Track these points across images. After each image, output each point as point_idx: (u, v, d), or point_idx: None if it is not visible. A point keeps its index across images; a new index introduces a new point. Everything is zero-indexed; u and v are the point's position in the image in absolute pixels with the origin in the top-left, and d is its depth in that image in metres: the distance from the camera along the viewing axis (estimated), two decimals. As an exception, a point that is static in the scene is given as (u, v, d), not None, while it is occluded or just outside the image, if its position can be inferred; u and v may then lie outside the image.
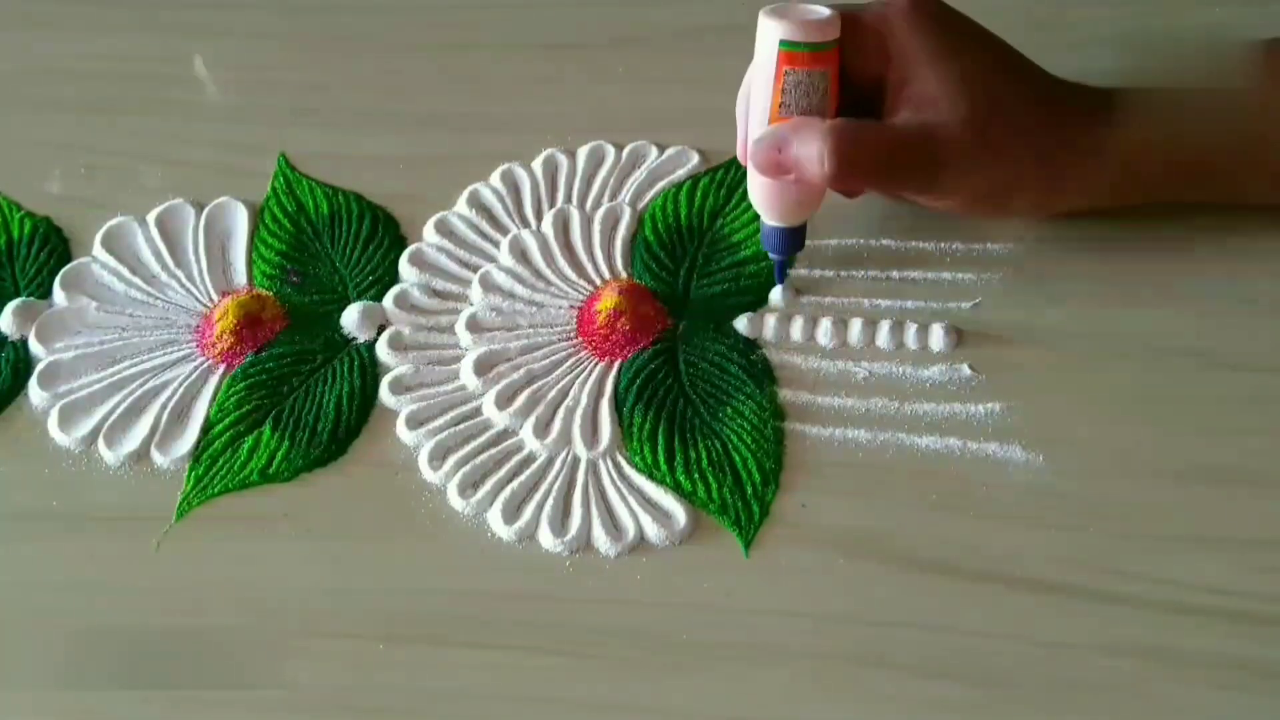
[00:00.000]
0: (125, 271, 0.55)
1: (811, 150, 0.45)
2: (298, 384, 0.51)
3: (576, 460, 0.48)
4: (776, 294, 0.52)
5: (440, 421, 0.49)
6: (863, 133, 0.46)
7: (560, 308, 0.52)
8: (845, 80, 0.47)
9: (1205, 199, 0.50)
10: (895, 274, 0.52)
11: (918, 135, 0.46)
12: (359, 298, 0.53)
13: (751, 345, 0.51)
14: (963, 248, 0.53)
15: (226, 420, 0.50)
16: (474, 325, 0.52)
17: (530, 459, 0.48)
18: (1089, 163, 0.47)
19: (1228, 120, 0.47)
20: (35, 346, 0.52)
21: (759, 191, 0.49)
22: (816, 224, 0.53)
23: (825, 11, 0.46)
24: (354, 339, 0.52)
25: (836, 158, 0.45)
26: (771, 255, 0.51)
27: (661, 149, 0.57)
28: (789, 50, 0.45)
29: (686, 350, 0.51)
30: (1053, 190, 0.49)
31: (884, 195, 0.52)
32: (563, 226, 0.55)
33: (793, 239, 0.50)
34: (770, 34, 0.45)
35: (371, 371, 0.51)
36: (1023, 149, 0.47)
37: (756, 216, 0.54)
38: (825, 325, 0.50)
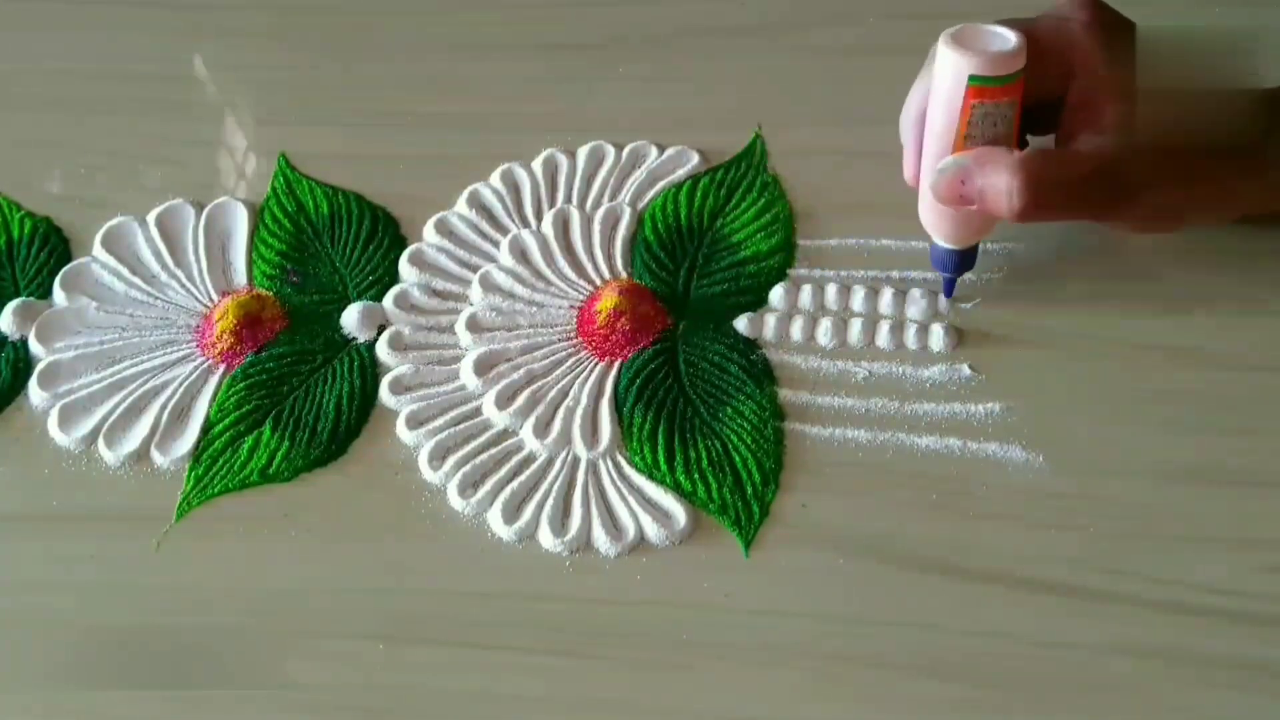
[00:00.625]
0: (125, 271, 0.55)
1: (999, 184, 0.44)
2: (298, 384, 0.51)
3: (576, 460, 0.48)
4: (943, 304, 0.51)
5: (440, 421, 0.49)
6: (1052, 167, 0.45)
7: (560, 308, 0.52)
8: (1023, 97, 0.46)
9: None
10: (895, 274, 0.52)
11: (1106, 164, 0.44)
12: (359, 298, 0.53)
13: (751, 345, 0.51)
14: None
15: (226, 420, 0.50)
16: (474, 325, 0.52)
17: (530, 459, 0.48)
18: (1263, 174, 0.47)
19: None
20: (35, 346, 0.52)
21: (932, 215, 0.48)
22: (817, 224, 0.54)
23: (1013, 40, 0.44)
24: (354, 339, 0.52)
25: (1028, 195, 0.44)
26: (941, 274, 0.50)
27: (661, 149, 0.57)
28: (979, 85, 0.43)
29: (686, 350, 0.51)
30: (1225, 204, 0.48)
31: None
32: (563, 226, 0.55)
33: (964, 260, 0.49)
34: (957, 67, 0.43)
35: (371, 371, 0.51)
36: (1201, 169, 0.46)
37: (756, 216, 0.54)
38: (825, 325, 0.50)
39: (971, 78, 0.43)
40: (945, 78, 0.44)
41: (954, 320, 0.50)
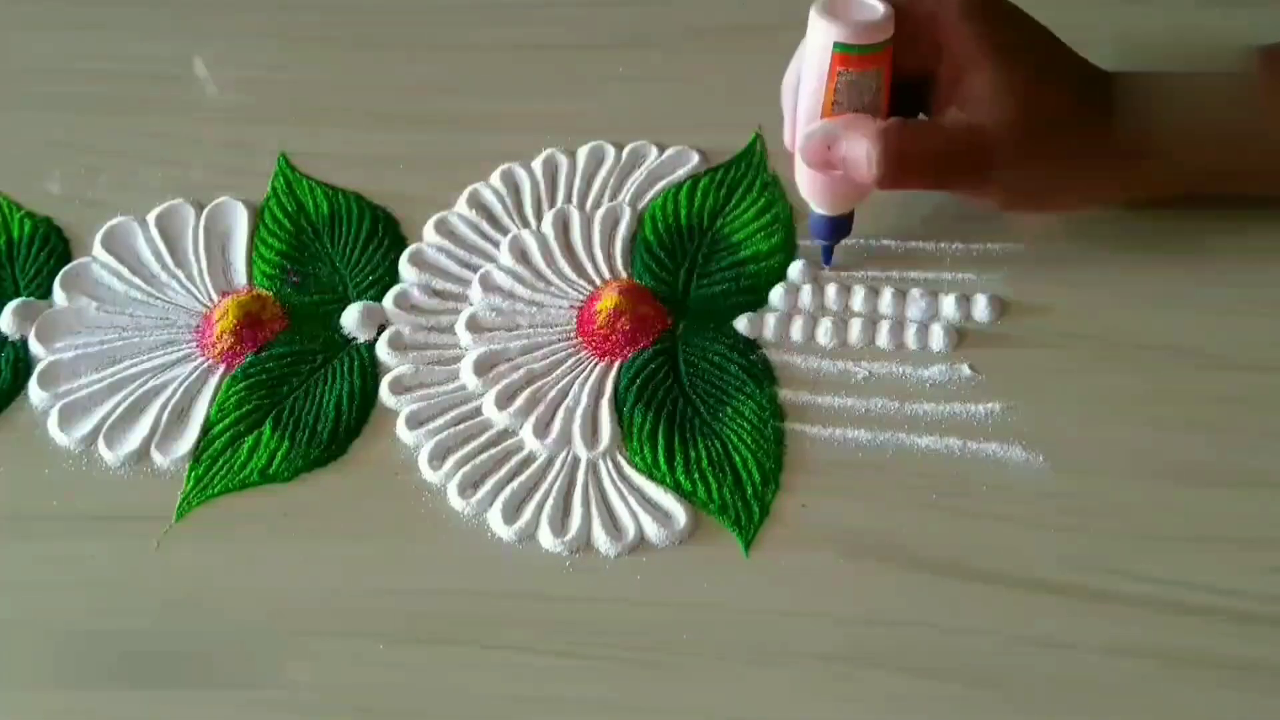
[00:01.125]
0: (125, 271, 0.55)
1: (860, 151, 0.46)
2: (298, 384, 0.51)
3: (576, 460, 0.48)
4: (826, 273, 0.52)
5: (440, 421, 0.49)
6: (912, 136, 0.46)
7: (560, 308, 0.52)
8: (894, 71, 0.47)
9: (1228, 191, 0.50)
10: (895, 274, 0.52)
11: (966, 137, 0.46)
12: (359, 298, 0.53)
13: (751, 345, 0.51)
14: (962, 248, 0.53)
15: (226, 420, 0.50)
16: (474, 325, 0.52)
17: (530, 459, 0.48)
18: (1129, 160, 0.48)
19: (1247, 109, 0.48)
20: (35, 346, 0.52)
21: (806, 181, 0.49)
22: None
23: (880, 10, 0.45)
24: (354, 339, 0.52)
25: (886, 161, 0.45)
26: (817, 241, 0.51)
27: (661, 149, 0.57)
28: (843, 52, 0.45)
29: (686, 350, 0.51)
30: (1094, 188, 0.49)
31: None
32: (563, 226, 0.55)
33: (838, 226, 0.50)
34: (823, 34, 0.45)
35: (371, 371, 0.51)
36: (1067, 150, 0.47)
37: (756, 216, 0.55)
38: (825, 325, 0.50)
39: (837, 44, 0.45)
40: (815, 46, 0.46)
41: (951, 323, 0.50)
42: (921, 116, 0.49)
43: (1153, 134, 0.48)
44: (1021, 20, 0.48)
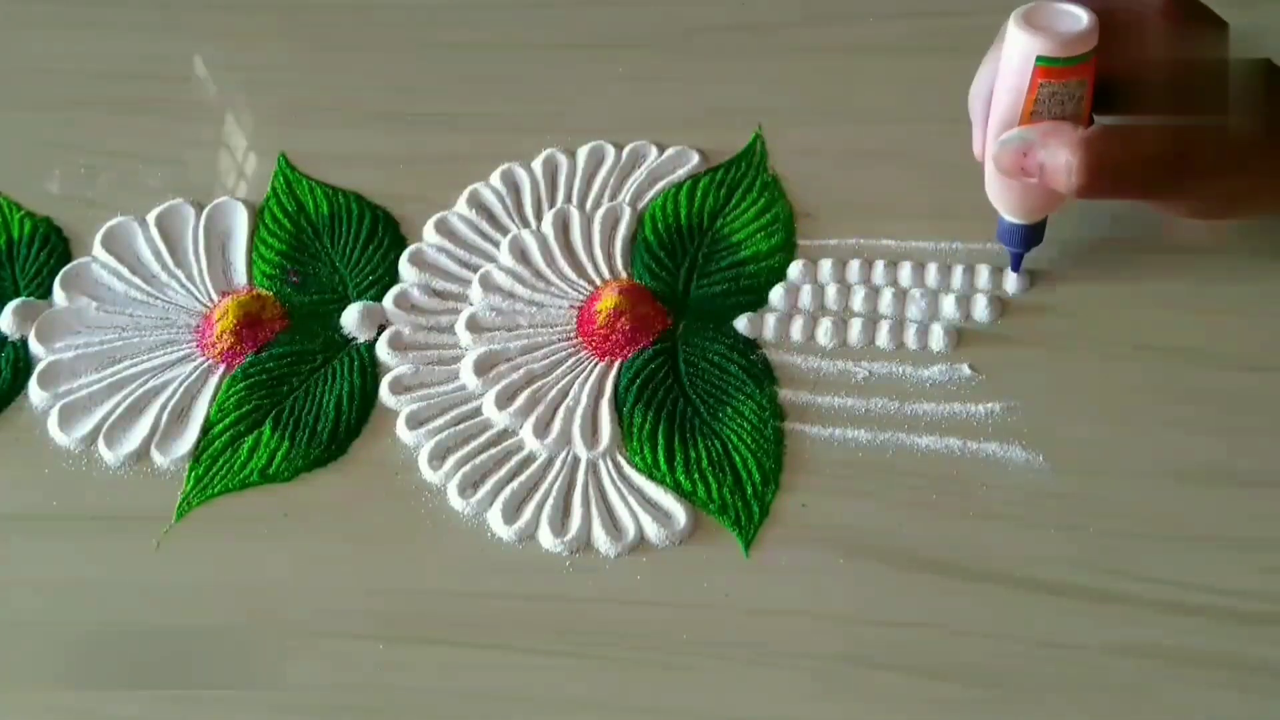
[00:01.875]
0: (125, 271, 0.55)
1: (1059, 160, 0.44)
2: (298, 384, 0.51)
3: (576, 460, 0.48)
4: (1012, 282, 0.51)
5: (440, 421, 0.49)
6: (1115, 146, 0.44)
7: (560, 308, 0.52)
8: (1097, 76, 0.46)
9: None
10: (895, 274, 0.52)
11: (1172, 145, 0.44)
12: (359, 298, 0.53)
13: (751, 345, 0.51)
14: (963, 248, 0.53)
15: (226, 420, 0.50)
16: (474, 325, 0.52)
17: (530, 459, 0.48)
18: None
19: None
20: (35, 346, 0.52)
21: (998, 189, 0.48)
22: (817, 224, 0.53)
23: (1084, 20, 0.44)
24: (354, 339, 0.52)
25: (1087, 171, 0.44)
26: (1007, 249, 0.50)
27: (661, 149, 0.57)
28: (1046, 65, 0.43)
29: (686, 350, 0.51)
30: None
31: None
32: (563, 226, 0.55)
33: (1030, 234, 0.49)
34: (1025, 47, 0.43)
35: (371, 371, 0.51)
36: (1271, 156, 0.45)
37: (756, 216, 0.55)
38: (825, 325, 0.50)
39: (1040, 58, 0.43)
40: (1013, 58, 0.44)
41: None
42: (1119, 120, 0.47)
43: None
44: (1218, 22, 0.46)
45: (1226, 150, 0.45)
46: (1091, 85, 0.45)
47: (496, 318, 0.52)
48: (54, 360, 0.52)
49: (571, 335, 0.51)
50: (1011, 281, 0.51)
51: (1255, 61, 0.46)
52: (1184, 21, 0.45)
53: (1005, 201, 0.48)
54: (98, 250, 0.56)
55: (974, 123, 0.48)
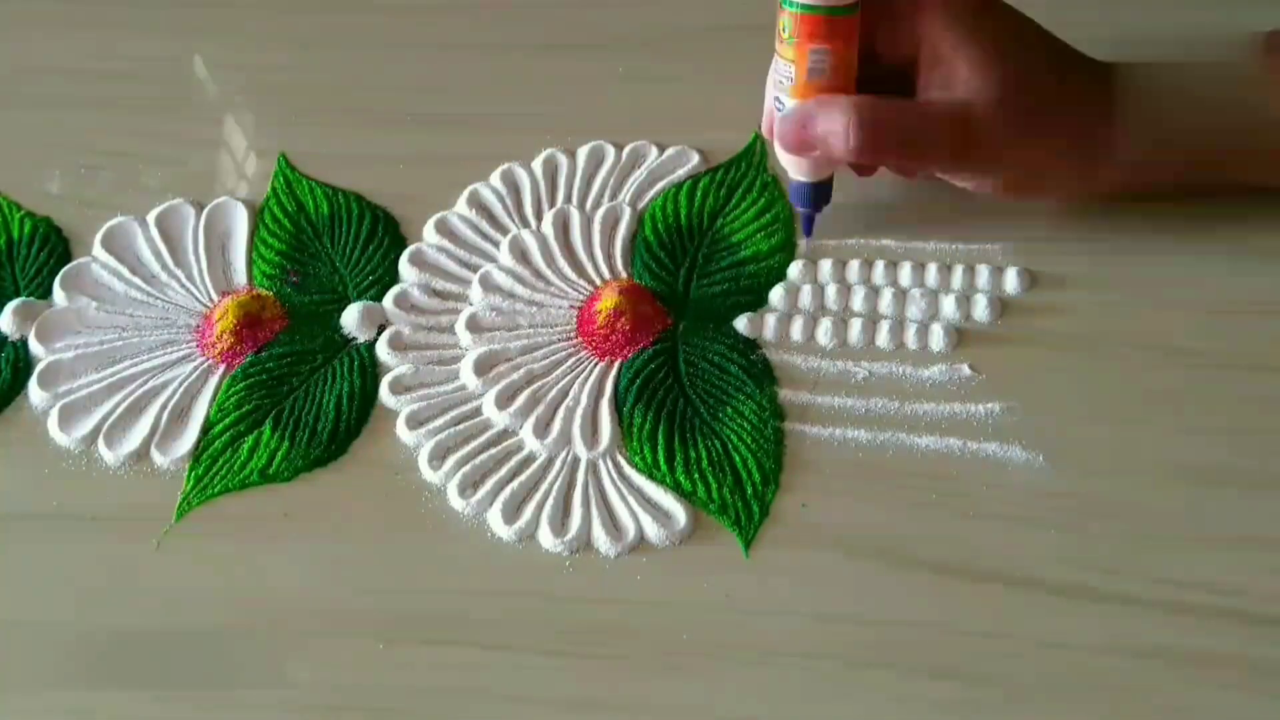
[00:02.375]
0: (125, 271, 0.55)
1: (836, 125, 0.46)
2: (298, 384, 0.51)
3: (576, 460, 0.48)
4: (803, 245, 0.53)
5: (440, 421, 0.49)
6: (889, 108, 0.47)
7: (560, 308, 0.52)
8: (876, 58, 0.48)
9: (1231, 178, 0.50)
10: (895, 274, 0.52)
11: (946, 113, 0.46)
12: (359, 298, 0.53)
13: (751, 345, 0.51)
14: (963, 248, 0.53)
15: (226, 420, 0.50)
16: (474, 325, 0.52)
17: (530, 459, 0.48)
18: (1122, 141, 0.48)
19: (1241, 96, 0.48)
20: (35, 346, 0.52)
21: (780, 151, 0.49)
22: (819, 223, 0.53)
23: None
24: (354, 339, 0.52)
25: (861, 132, 0.46)
26: (798, 208, 0.52)
27: (661, 149, 0.57)
28: (803, 13, 0.45)
29: (686, 350, 0.51)
30: (1086, 170, 0.49)
31: (909, 175, 0.52)
32: (563, 226, 0.55)
33: (819, 192, 0.50)
34: None
35: (371, 371, 0.51)
36: (1056, 128, 0.47)
37: (756, 216, 0.55)
38: (825, 325, 0.50)
39: (796, 4, 0.45)
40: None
41: (952, 322, 0.50)
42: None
43: (1155, 120, 0.48)
44: (1007, 8, 0.48)
45: (1007, 121, 0.46)
46: (856, 51, 0.47)
47: (496, 318, 0.52)
48: (54, 360, 0.52)
49: (571, 335, 0.51)
50: (803, 245, 0.53)
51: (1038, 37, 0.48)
52: (959, 2, 0.47)
53: (790, 161, 0.50)
54: (98, 250, 0.56)
55: (766, 102, 0.50)
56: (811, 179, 0.50)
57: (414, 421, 0.49)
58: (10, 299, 0.54)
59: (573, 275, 0.53)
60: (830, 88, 0.47)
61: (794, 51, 0.47)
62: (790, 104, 0.48)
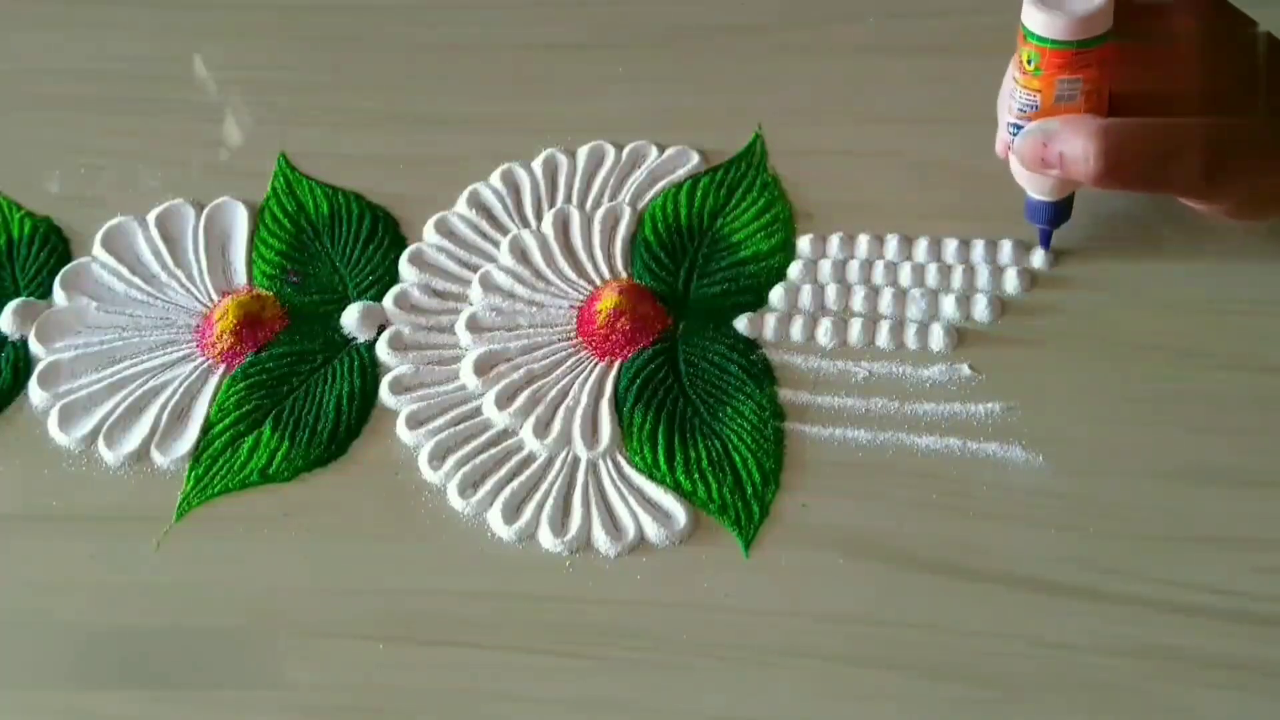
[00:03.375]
0: (125, 271, 0.55)
1: (1077, 149, 0.44)
2: (298, 384, 0.51)
3: (576, 460, 0.48)
4: (1039, 257, 0.51)
5: (440, 421, 0.49)
6: (1134, 134, 0.44)
7: (560, 308, 0.52)
8: (1125, 66, 0.45)
9: None
10: (895, 274, 0.52)
11: (1197, 136, 0.44)
12: (359, 298, 0.53)
13: (751, 345, 0.51)
14: (963, 248, 0.52)
15: (226, 420, 0.50)
16: (474, 325, 0.52)
17: (530, 459, 0.48)
18: None
19: None
20: (35, 346, 0.52)
21: (1019, 168, 0.48)
22: (817, 224, 0.53)
23: (1096, 2, 0.43)
24: (354, 339, 0.52)
25: (1105, 160, 0.44)
26: (1036, 225, 0.50)
27: (661, 149, 0.57)
28: (1055, 49, 0.43)
29: (686, 350, 0.51)
30: None
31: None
32: (563, 226, 0.55)
33: (1059, 211, 0.49)
34: (1035, 28, 0.43)
35: (371, 371, 0.51)
36: None
37: (756, 216, 0.55)
38: (825, 325, 0.50)
39: (1046, 40, 0.43)
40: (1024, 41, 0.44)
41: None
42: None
43: None
44: (1248, 18, 0.45)
45: (1256, 147, 0.44)
46: (1109, 75, 0.45)
47: (496, 318, 0.52)
48: (54, 360, 0.52)
49: (571, 335, 0.51)
50: (1039, 257, 0.51)
51: None
52: (1214, 13, 0.45)
53: (1030, 179, 0.48)
54: (98, 250, 0.55)
55: (1000, 119, 0.48)
56: (1051, 198, 0.48)
57: (414, 421, 0.49)
58: (10, 299, 0.54)
59: (573, 275, 0.53)
60: (1078, 111, 0.45)
61: (1040, 83, 0.45)
62: (1034, 122, 0.46)
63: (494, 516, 0.46)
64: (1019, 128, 0.46)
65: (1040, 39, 0.44)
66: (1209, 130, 0.44)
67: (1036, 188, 0.49)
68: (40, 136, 0.61)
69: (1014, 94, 0.46)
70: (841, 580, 0.44)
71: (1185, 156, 0.44)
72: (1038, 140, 0.46)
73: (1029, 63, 0.44)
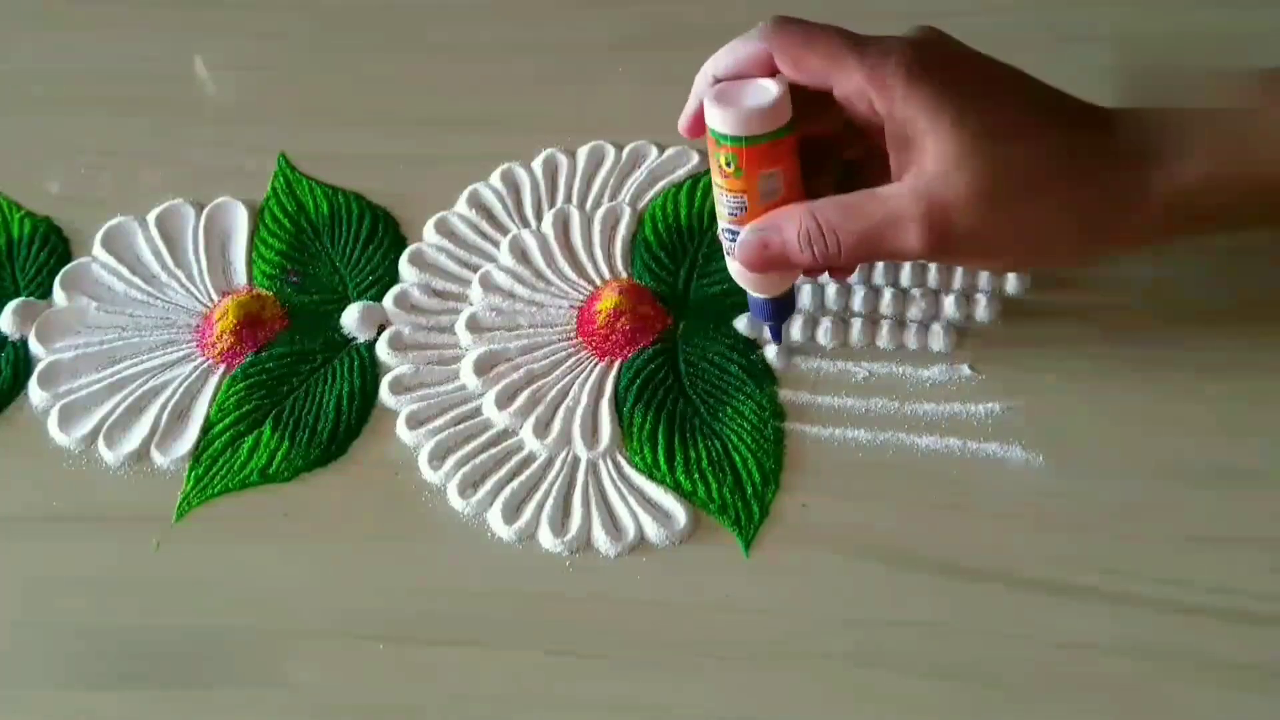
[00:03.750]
0: (125, 271, 0.55)
1: (791, 236, 0.43)
2: (298, 384, 0.51)
3: (576, 460, 0.48)
4: (771, 353, 0.50)
5: (440, 421, 0.49)
6: (847, 206, 0.42)
7: (560, 308, 0.52)
8: (845, 129, 0.44)
9: (1237, 229, 0.45)
10: (895, 274, 0.52)
11: (912, 201, 0.41)
12: (359, 298, 0.53)
13: (751, 345, 0.51)
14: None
15: (226, 420, 0.50)
16: (474, 325, 0.52)
17: (530, 459, 0.48)
18: (1134, 208, 0.42)
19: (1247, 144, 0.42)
20: (35, 346, 0.52)
21: (737, 270, 0.46)
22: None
23: (773, 92, 0.42)
24: (354, 339, 0.52)
25: (824, 239, 0.42)
26: (763, 322, 0.49)
27: (661, 149, 0.57)
28: (751, 145, 0.42)
29: (686, 350, 0.51)
30: (1094, 241, 0.44)
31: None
32: (563, 226, 0.55)
33: (782, 306, 0.47)
34: (726, 128, 0.42)
35: (371, 371, 0.51)
36: (1050, 210, 0.42)
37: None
38: (825, 325, 0.50)
39: (738, 139, 0.42)
40: (711, 138, 0.43)
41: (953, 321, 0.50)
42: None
43: (1157, 176, 0.41)
44: (976, 67, 0.42)
45: (987, 207, 0.41)
46: (798, 161, 0.43)
47: (496, 318, 0.52)
48: (54, 360, 0.52)
49: (571, 335, 0.51)
50: (771, 352, 0.50)
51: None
52: (926, 75, 0.41)
53: (748, 280, 0.46)
54: (98, 250, 0.56)
55: (691, 95, 0.45)
56: (774, 294, 0.47)
57: (414, 421, 0.49)
58: (10, 299, 0.54)
59: (573, 275, 0.53)
60: (783, 203, 0.43)
61: (744, 183, 0.43)
62: (744, 232, 0.44)
63: (494, 516, 0.46)
64: (735, 233, 0.44)
65: (735, 139, 0.42)
66: (924, 193, 0.41)
67: (759, 286, 0.46)
68: (40, 136, 0.61)
69: (721, 200, 0.44)
70: (841, 580, 0.44)
71: (903, 227, 0.41)
72: (757, 244, 0.44)
73: (728, 165, 0.43)
